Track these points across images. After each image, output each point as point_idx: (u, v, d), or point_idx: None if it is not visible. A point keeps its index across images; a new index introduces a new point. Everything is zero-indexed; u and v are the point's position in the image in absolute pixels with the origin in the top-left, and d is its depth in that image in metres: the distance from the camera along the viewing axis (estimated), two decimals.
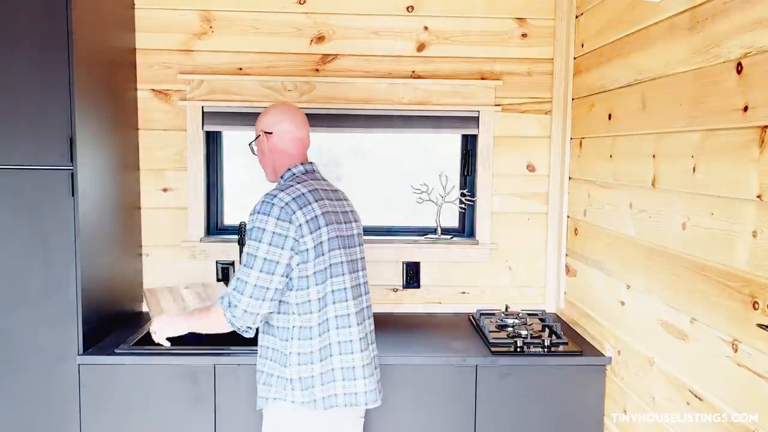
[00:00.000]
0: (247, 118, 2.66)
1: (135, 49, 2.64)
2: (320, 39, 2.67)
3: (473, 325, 2.57)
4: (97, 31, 2.31)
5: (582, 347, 2.29)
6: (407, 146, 2.94)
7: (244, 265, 1.73)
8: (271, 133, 1.91)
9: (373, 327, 1.95)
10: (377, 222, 2.89)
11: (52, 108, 2.09)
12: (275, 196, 1.76)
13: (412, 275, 2.78)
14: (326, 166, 2.97)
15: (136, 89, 2.65)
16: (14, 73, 2.08)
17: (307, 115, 2.63)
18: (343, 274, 1.83)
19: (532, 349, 2.24)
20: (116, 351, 2.19)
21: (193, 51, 2.66)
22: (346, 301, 1.82)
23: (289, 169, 1.90)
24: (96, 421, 2.19)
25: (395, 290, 2.79)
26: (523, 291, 2.81)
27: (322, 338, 1.78)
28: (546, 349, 2.24)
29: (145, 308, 2.72)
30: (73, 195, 2.13)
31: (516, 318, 2.56)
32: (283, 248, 1.72)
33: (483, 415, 2.22)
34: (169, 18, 2.64)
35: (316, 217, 1.77)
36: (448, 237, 2.79)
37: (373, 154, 2.98)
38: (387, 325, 2.59)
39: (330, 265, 1.80)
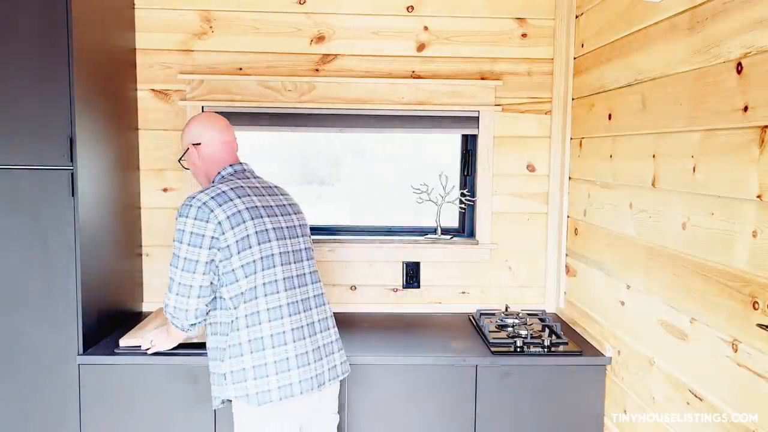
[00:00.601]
0: (247, 118, 2.66)
1: (135, 49, 2.64)
2: (320, 39, 2.67)
3: (473, 325, 2.57)
4: (97, 31, 2.31)
5: (582, 347, 2.29)
6: (407, 146, 2.94)
7: (171, 264, 1.82)
8: (199, 143, 1.97)
9: (324, 316, 1.95)
10: (377, 222, 2.89)
11: (52, 108, 2.09)
12: (194, 197, 1.82)
13: (412, 275, 2.78)
14: (326, 166, 2.97)
15: (136, 89, 2.65)
16: (14, 74, 2.08)
17: (307, 115, 2.67)
18: (274, 266, 1.84)
19: (532, 349, 2.24)
20: (116, 351, 2.19)
21: (193, 51, 2.66)
22: (278, 293, 1.84)
23: (218, 173, 1.95)
24: (96, 421, 2.19)
25: (395, 290, 2.79)
26: (523, 291, 2.81)
27: (251, 330, 1.80)
28: (546, 349, 2.24)
29: (145, 308, 2.72)
30: (73, 195, 2.13)
31: (516, 318, 2.56)
32: (201, 247, 1.77)
33: (483, 415, 2.22)
34: (169, 18, 2.64)
35: (239, 212, 1.81)
36: (448, 237, 2.79)
37: (373, 154, 2.98)
38: (387, 325, 2.59)
39: (261, 258, 1.82)
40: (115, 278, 2.47)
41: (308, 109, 2.66)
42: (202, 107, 2.65)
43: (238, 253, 1.79)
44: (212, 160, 1.97)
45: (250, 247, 1.81)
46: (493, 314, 2.63)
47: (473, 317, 2.65)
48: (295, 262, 1.90)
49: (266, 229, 1.85)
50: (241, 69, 2.67)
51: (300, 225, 1.98)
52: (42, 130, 2.10)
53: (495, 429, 2.23)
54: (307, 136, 2.86)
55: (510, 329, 2.44)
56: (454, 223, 2.88)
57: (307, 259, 1.96)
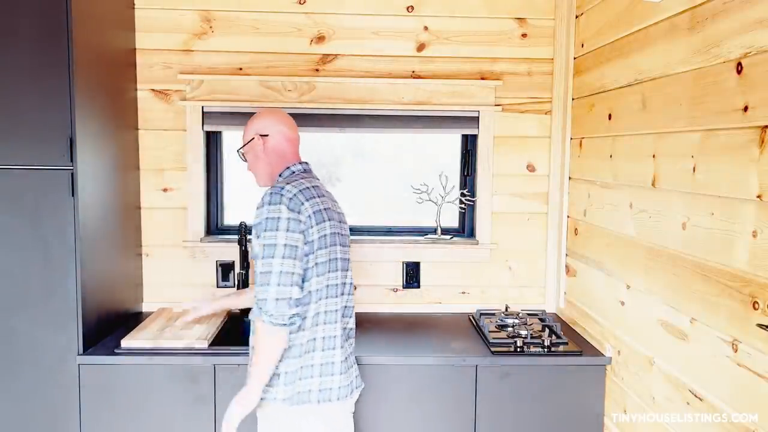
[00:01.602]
0: (247, 118, 2.63)
1: (135, 49, 2.64)
2: (320, 39, 2.67)
3: (473, 325, 2.57)
4: (97, 31, 2.31)
5: (582, 347, 2.29)
6: (407, 146, 2.94)
7: (264, 258, 1.71)
8: (266, 135, 1.94)
9: (353, 326, 1.98)
10: (377, 222, 2.89)
11: (52, 108, 2.09)
12: (282, 188, 1.78)
13: (412, 275, 2.78)
14: (326, 166, 2.97)
15: (136, 89, 2.65)
16: (14, 74, 2.08)
17: (307, 115, 2.67)
18: (337, 270, 1.86)
19: (532, 349, 2.24)
20: (116, 351, 2.19)
21: (193, 51, 2.66)
22: (336, 297, 1.85)
23: (287, 168, 1.93)
24: (96, 421, 2.19)
25: (395, 290, 2.79)
26: (523, 291, 2.81)
27: (310, 331, 1.80)
28: (546, 349, 2.24)
29: (145, 308, 2.72)
30: (73, 195, 2.13)
31: (516, 318, 2.56)
32: (299, 233, 1.74)
33: (483, 415, 2.22)
34: (169, 18, 2.64)
35: (321, 210, 1.81)
36: (448, 237, 2.79)
37: (373, 154, 2.98)
38: (387, 325, 2.59)
39: (330, 260, 1.82)
40: (115, 278, 2.47)
41: (308, 109, 2.66)
42: (202, 107, 2.65)
43: (318, 250, 1.78)
44: (276, 154, 1.94)
45: (326, 247, 1.80)
46: (493, 314, 2.63)
47: (473, 317, 2.65)
48: (345, 270, 1.92)
49: (334, 233, 1.85)
50: (241, 69, 2.67)
51: (347, 235, 1.99)
52: (42, 130, 2.10)
53: (495, 429, 2.23)
54: (307, 136, 2.86)
55: (510, 329, 2.44)
56: (454, 223, 2.88)
57: (349, 270, 1.97)
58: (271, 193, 1.77)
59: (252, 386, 1.75)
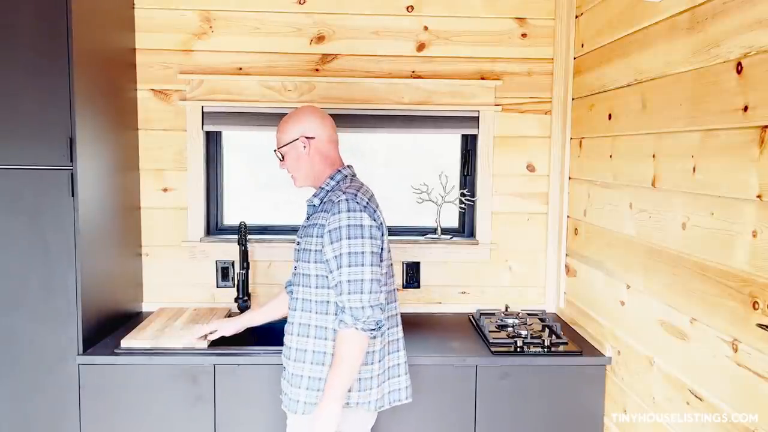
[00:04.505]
0: (247, 118, 2.66)
1: (135, 49, 2.64)
2: (320, 39, 2.67)
3: (473, 325, 2.57)
4: (97, 31, 2.31)
5: (582, 347, 2.29)
6: (407, 146, 2.94)
7: (351, 265, 1.71)
8: (312, 137, 1.87)
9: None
10: None
11: (52, 108, 2.09)
12: (355, 195, 1.78)
13: (412, 275, 2.77)
14: None
15: (136, 89, 2.65)
16: (14, 74, 2.08)
17: None
18: (392, 276, 1.93)
19: (532, 349, 2.24)
20: (116, 351, 2.19)
21: (193, 51, 2.66)
22: (395, 301, 1.93)
23: (339, 171, 1.89)
24: (96, 421, 2.19)
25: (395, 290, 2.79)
26: (523, 291, 2.81)
27: (383, 337, 1.86)
28: (546, 349, 2.24)
29: (145, 308, 2.71)
30: (73, 195, 2.13)
31: (516, 318, 2.56)
32: (378, 240, 1.78)
33: (483, 415, 2.22)
34: (169, 18, 2.64)
35: (383, 220, 1.86)
36: (448, 237, 2.79)
37: (373, 154, 2.98)
38: None
39: (389, 266, 1.89)
40: (115, 278, 2.47)
41: None
42: (202, 107, 2.65)
43: (386, 259, 1.84)
44: (323, 156, 1.88)
45: (388, 254, 1.87)
46: (493, 314, 2.63)
47: (473, 317, 2.65)
48: (392, 276, 1.96)
49: (388, 240, 1.90)
50: (241, 69, 2.67)
51: None
52: (42, 130, 2.10)
53: (495, 429, 2.23)
54: None
55: (510, 329, 2.44)
56: (454, 223, 2.88)
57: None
58: (346, 200, 1.74)
59: (337, 396, 1.70)
